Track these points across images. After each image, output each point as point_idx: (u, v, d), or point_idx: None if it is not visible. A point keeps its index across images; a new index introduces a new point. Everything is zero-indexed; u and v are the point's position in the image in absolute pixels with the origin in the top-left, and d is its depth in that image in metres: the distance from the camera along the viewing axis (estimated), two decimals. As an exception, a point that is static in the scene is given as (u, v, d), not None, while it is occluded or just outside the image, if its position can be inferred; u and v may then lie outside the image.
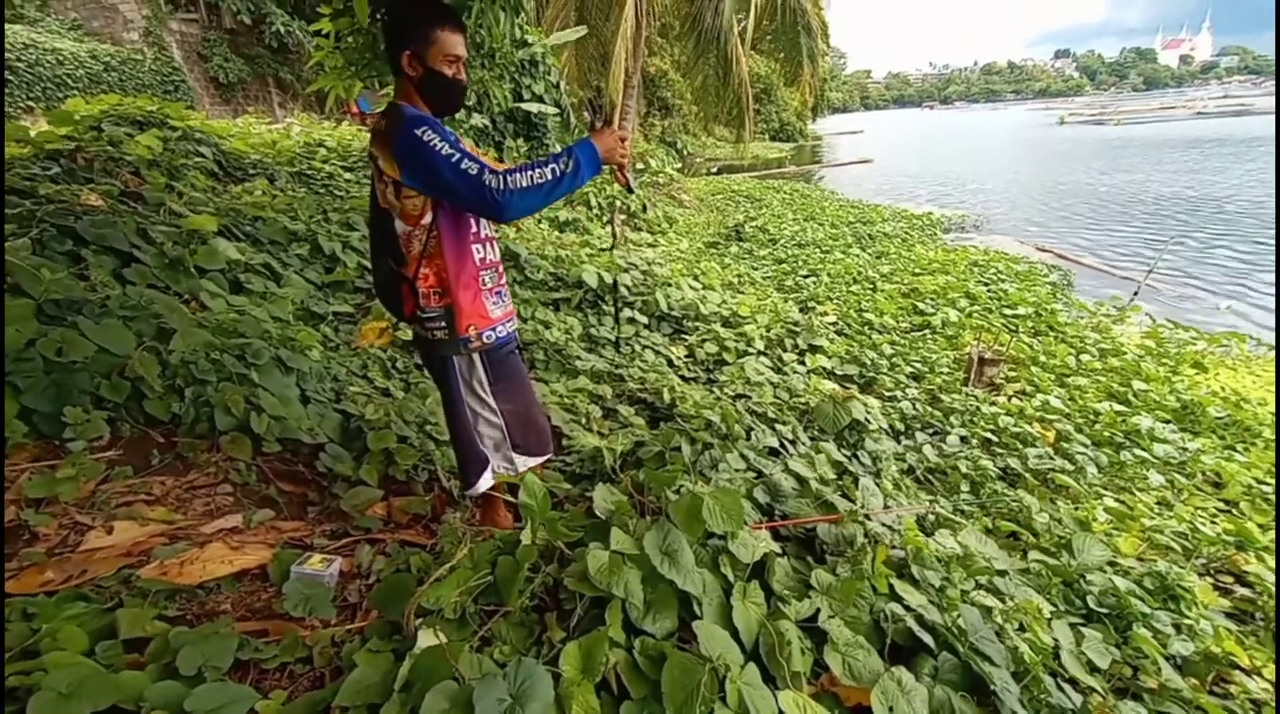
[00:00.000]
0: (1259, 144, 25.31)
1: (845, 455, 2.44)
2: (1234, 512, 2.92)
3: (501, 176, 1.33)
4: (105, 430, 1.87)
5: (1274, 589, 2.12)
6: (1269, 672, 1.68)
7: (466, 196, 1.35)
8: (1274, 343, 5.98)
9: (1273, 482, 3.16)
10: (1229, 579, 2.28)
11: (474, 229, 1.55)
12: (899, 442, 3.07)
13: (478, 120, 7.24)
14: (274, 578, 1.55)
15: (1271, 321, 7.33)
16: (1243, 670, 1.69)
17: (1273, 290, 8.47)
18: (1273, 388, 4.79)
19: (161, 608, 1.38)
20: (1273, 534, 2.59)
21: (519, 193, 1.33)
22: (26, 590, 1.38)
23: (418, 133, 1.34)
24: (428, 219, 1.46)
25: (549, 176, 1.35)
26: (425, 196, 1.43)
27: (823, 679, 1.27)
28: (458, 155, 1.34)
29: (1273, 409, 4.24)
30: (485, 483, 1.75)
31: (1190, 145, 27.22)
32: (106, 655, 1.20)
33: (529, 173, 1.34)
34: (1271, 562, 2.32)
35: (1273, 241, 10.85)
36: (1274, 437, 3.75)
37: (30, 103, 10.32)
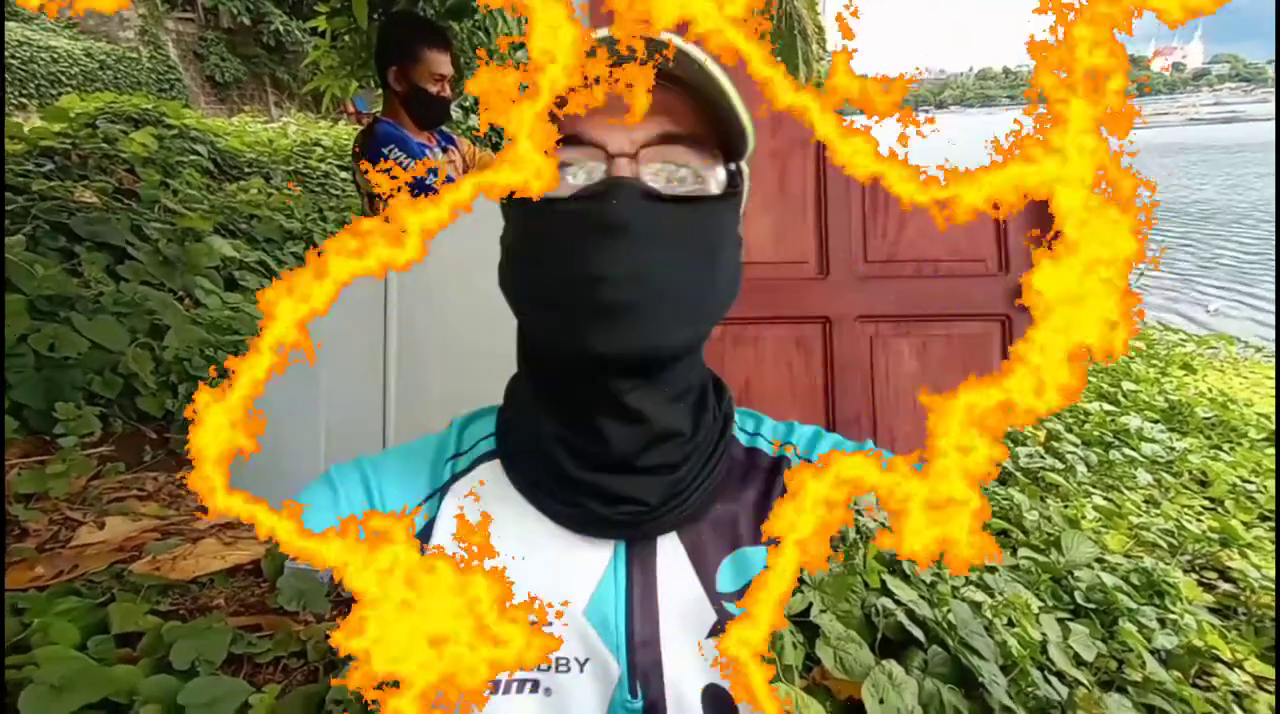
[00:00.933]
0: (1247, 150, 25.63)
1: (838, 454, 2.46)
2: (1219, 509, 2.96)
3: None
4: (97, 426, 1.86)
5: (1256, 584, 2.15)
6: (1251, 665, 1.70)
7: None
8: (1267, 343, 6.05)
9: (1257, 480, 3.20)
10: (1213, 575, 2.31)
11: None
12: (891, 441, 3.09)
13: (476, 121, 7.26)
14: (267, 573, 1.55)
15: (1255, 326, 7.42)
16: (1225, 664, 1.71)
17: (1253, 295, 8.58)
18: (1259, 389, 4.85)
19: (154, 603, 1.38)
20: (1256, 531, 2.62)
21: None
22: (17, 586, 1.38)
23: (384, 151, 1.44)
24: None
25: None
26: None
27: (814, 673, 1.29)
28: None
29: (1259, 410, 4.29)
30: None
31: (1180, 150, 27.54)
32: (98, 650, 1.20)
33: None
34: (1255, 558, 2.35)
35: (1259, 245, 10.98)
36: (1258, 436, 3.80)
37: (24, 99, 10.25)
